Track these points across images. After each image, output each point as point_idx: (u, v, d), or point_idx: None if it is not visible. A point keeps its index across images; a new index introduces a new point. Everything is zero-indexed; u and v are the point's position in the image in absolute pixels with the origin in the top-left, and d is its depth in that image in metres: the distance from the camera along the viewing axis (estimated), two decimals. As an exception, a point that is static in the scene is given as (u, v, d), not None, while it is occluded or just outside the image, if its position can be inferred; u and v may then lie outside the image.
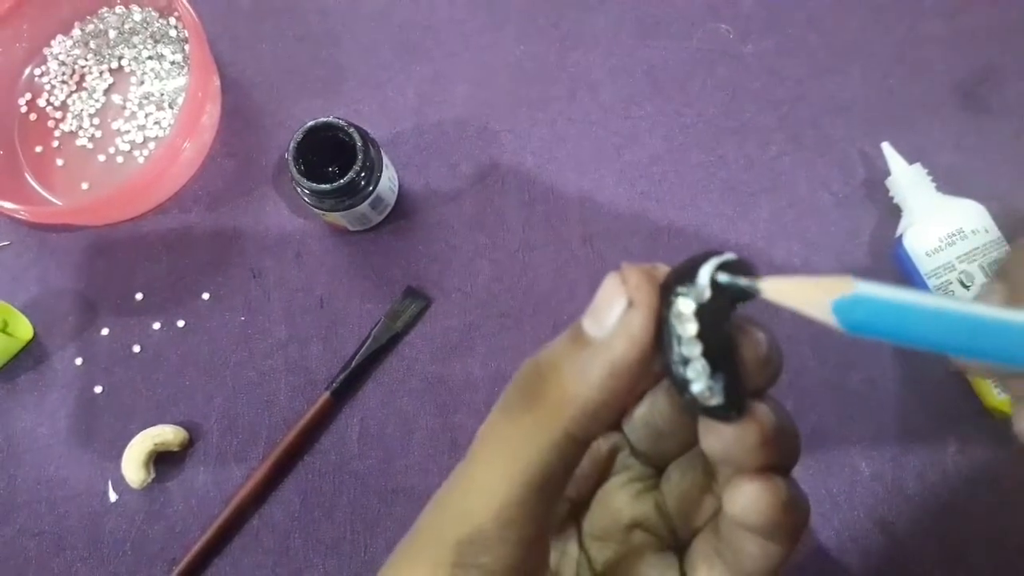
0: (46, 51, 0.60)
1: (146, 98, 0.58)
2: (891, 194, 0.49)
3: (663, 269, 0.23)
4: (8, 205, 0.52)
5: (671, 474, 0.27)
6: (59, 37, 0.60)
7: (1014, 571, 0.45)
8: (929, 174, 0.48)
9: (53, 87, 0.59)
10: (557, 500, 0.24)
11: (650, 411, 0.26)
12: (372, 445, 0.50)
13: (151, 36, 0.59)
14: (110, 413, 0.52)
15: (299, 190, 0.49)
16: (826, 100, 0.53)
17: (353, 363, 0.50)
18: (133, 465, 0.49)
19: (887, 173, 0.49)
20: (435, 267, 0.53)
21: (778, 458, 0.22)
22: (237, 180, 0.56)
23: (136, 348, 0.53)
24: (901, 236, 0.47)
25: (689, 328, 0.21)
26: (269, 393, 0.52)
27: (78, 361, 0.53)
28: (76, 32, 0.60)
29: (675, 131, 0.53)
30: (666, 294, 0.22)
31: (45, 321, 0.54)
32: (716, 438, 0.22)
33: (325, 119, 0.48)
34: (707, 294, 0.21)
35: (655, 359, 0.22)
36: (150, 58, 0.59)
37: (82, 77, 0.59)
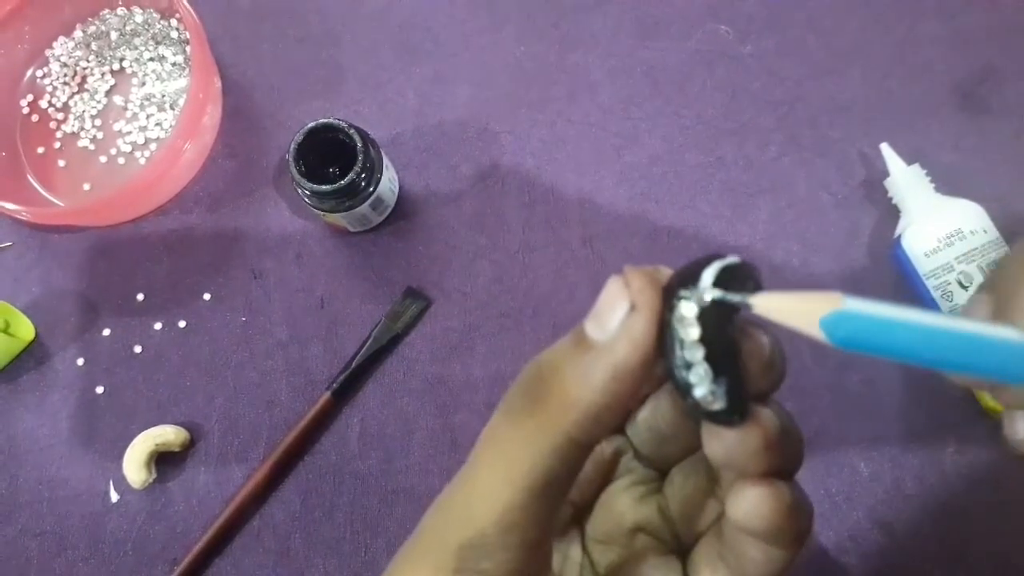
0: (48, 53, 0.60)
1: (147, 99, 0.58)
2: (890, 195, 0.49)
3: (666, 272, 0.23)
4: (10, 206, 0.52)
5: (674, 477, 0.27)
6: (61, 39, 0.60)
7: (1013, 571, 0.45)
8: (928, 175, 0.48)
9: (55, 88, 0.59)
10: (560, 504, 0.24)
11: (653, 414, 0.26)
12: (372, 445, 0.50)
13: (152, 38, 0.59)
14: (111, 413, 0.53)
15: (300, 191, 0.49)
16: (825, 101, 0.53)
17: (353, 364, 0.51)
18: (134, 465, 0.49)
19: (886, 174, 0.49)
20: (435, 268, 0.53)
21: (781, 463, 0.22)
22: (238, 181, 0.56)
23: (137, 348, 0.53)
24: (900, 237, 0.47)
25: (692, 332, 0.21)
26: (270, 393, 0.52)
27: (80, 362, 0.54)
28: (78, 34, 0.60)
29: (674, 132, 0.53)
30: (669, 297, 0.21)
31: (47, 322, 0.54)
32: (719, 443, 0.22)
33: (326, 120, 0.48)
34: (709, 297, 0.21)
35: (658, 363, 0.22)
36: (151, 59, 0.59)
37: (84, 78, 0.59)
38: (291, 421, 0.51)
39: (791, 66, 0.54)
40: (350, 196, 0.49)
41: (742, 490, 0.22)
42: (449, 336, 0.52)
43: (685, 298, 0.21)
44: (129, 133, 0.58)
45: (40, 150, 0.58)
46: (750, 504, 0.22)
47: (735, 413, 0.21)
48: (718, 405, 0.21)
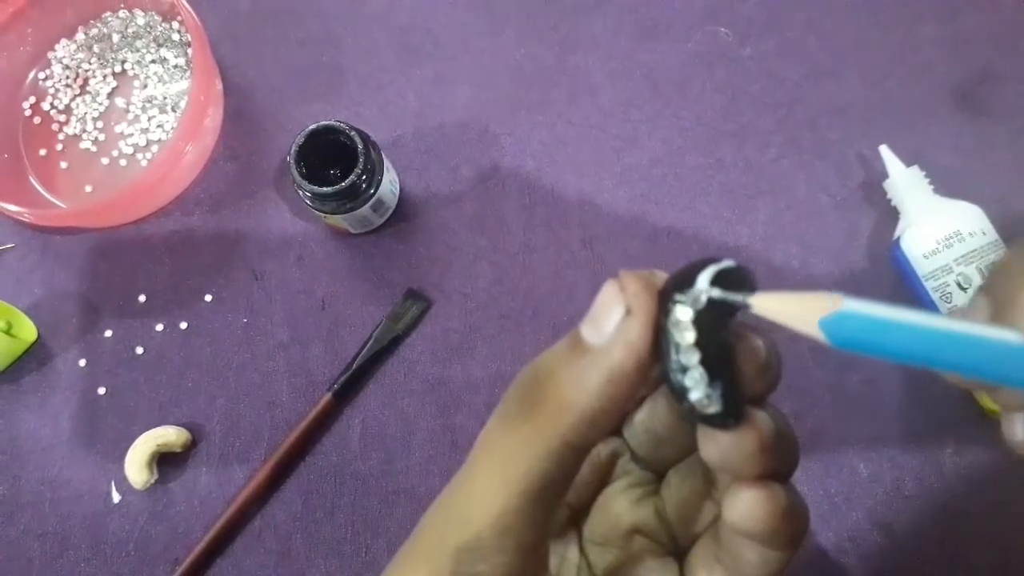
0: (50, 55, 0.60)
1: (149, 101, 0.58)
2: (889, 196, 0.49)
3: (661, 276, 0.23)
4: (12, 208, 0.52)
5: (671, 480, 0.27)
6: (63, 41, 0.60)
7: (1012, 571, 0.45)
8: (927, 176, 0.48)
9: (57, 91, 0.59)
10: (556, 507, 0.24)
11: (650, 417, 0.26)
12: (373, 446, 0.51)
13: (154, 40, 0.59)
14: (113, 414, 0.53)
15: (301, 193, 0.49)
16: (824, 102, 0.53)
17: (354, 365, 0.51)
18: (136, 466, 0.50)
19: (885, 175, 0.49)
20: (436, 269, 0.53)
21: (777, 465, 0.22)
22: (239, 183, 0.56)
23: (139, 350, 0.54)
24: (899, 238, 0.48)
25: (687, 336, 0.21)
26: (271, 394, 0.52)
27: (82, 363, 0.54)
28: (80, 36, 0.60)
29: (674, 134, 0.54)
30: (664, 301, 0.22)
31: (49, 323, 0.55)
32: (714, 446, 0.22)
33: (327, 122, 0.49)
34: (705, 301, 0.21)
35: (654, 366, 0.22)
36: (153, 62, 0.59)
37: (86, 81, 0.60)
38: (292, 422, 0.51)
39: (790, 68, 0.54)
40: (351, 198, 0.49)
41: (738, 493, 0.22)
42: (450, 337, 0.52)
43: (680, 302, 0.21)
44: (131, 135, 0.58)
45: (42, 152, 0.59)
46: (746, 507, 0.22)
47: (730, 416, 0.21)
48: (713, 408, 0.21)
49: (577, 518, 0.28)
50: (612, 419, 0.22)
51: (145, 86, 0.59)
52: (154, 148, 0.58)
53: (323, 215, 0.51)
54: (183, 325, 0.54)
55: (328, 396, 0.50)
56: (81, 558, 0.51)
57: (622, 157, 0.54)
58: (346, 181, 0.48)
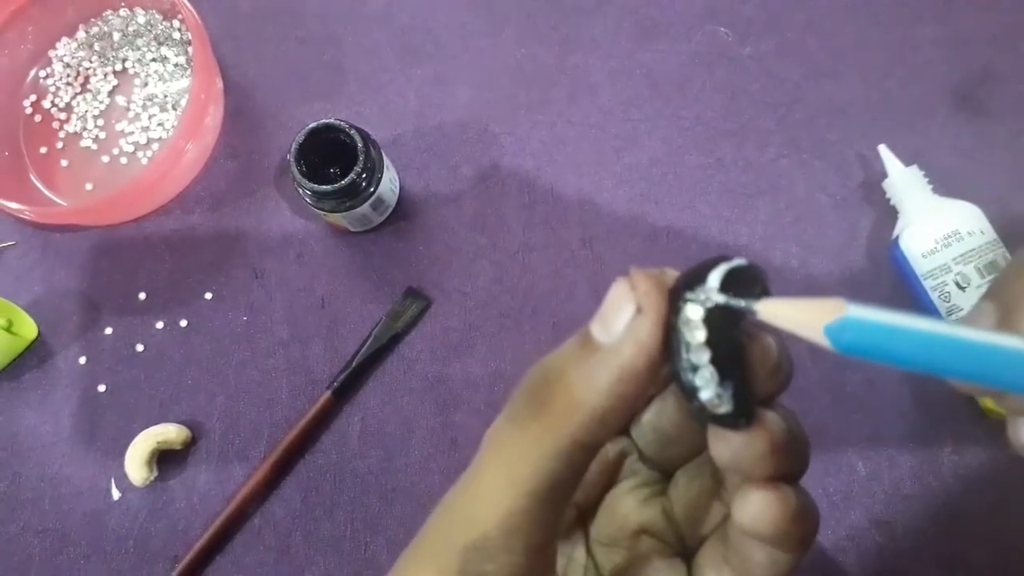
0: (51, 53, 0.60)
1: (150, 100, 0.58)
2: (888, 196, 0.49)
3: (672, 274, 0.22)
4: (13, 205, 0.52)
5: (679, 480, 0.27)
6: (64, 39, 0.60)
7: (1011, 571, 0.45)
8: (926, 176, 0.48)
9: (58, 89, 0.59)
10: (564, 507, 0.23)
11: (658, 416, 0.26)
12: (373, 444, 0.51)
13: (155, 38, 0.59)
14: (113, 412, 0.53)
15: (301, 191, 0.50)
16: (824, 102, 0.53)
17: (354, 363, 0.51)
18: (136, 463, 0.50)
19: (884, 175, 0.49)
20: (435, 268, 0.53)
21: (787, 466, 0.22)
22: (239, 181, 0.56)
23: (139, 347, 0.54)
24: (898, 238, 0.48)
25: (698, 335, 0.21)
26: (271, 392, 0.52)
27: (82, 360, 0.54)
28: (80, 35, 0.60)
29: (674, 133, 0.54)
30: (675, 300, 0.21)
31: (49, 320, 0.55)
32: (725, 446, 0.22)
33: (327, 121, 0.49)
34: (716, 300, 0.21)
35: (664, 365, 0.22)
36: (154, 60, 0.59)
37: (86, 79, 0.60)
38: (292, 420, 0.51)
39: (790, 68, 0.54)
40: (351, 196, 0.49)
41: (748, 494, 0.22)
42: (449, 336, 0.52)
43: (691, 300, 0.21)
44: (131, 133, 0.58)
45: (43, 150, 0.59)
46: (756, 508, 0.21)
47: (741, 416, 0.21)
48: (724, 408, 0.21)
49: (584, 518, 0.27)
50: (622, 418, 0.22)
51: (146, 84, 0.59)
52: (155, 146, 0.58)
53: (323, 213, 0.51)
54: (183, 323, 0.54)
55: (328, 394, 0.50)
56: (81, 555, 0.51)
57: (622, 156, 0.54)
58: (346, 179, 0.48)
